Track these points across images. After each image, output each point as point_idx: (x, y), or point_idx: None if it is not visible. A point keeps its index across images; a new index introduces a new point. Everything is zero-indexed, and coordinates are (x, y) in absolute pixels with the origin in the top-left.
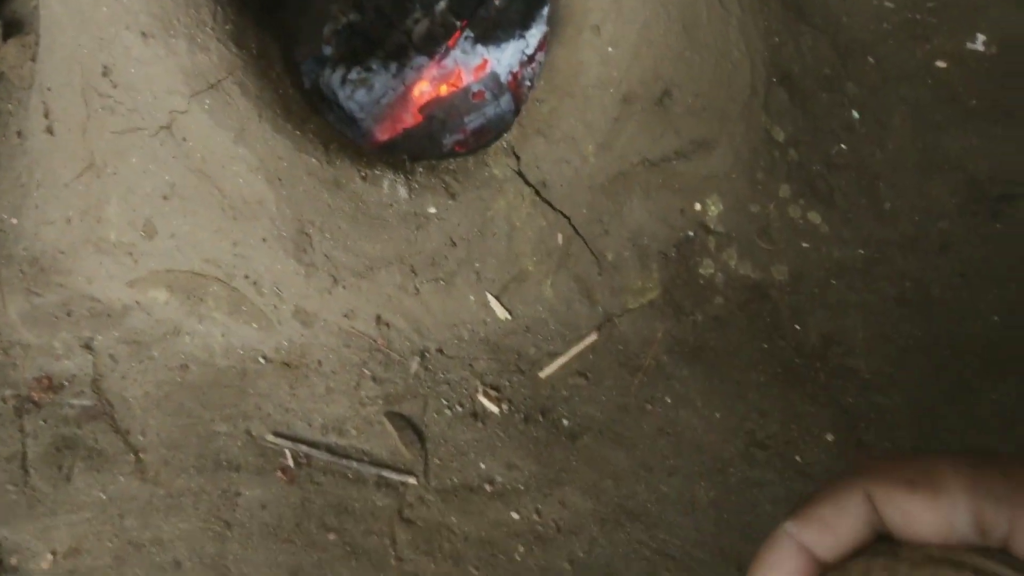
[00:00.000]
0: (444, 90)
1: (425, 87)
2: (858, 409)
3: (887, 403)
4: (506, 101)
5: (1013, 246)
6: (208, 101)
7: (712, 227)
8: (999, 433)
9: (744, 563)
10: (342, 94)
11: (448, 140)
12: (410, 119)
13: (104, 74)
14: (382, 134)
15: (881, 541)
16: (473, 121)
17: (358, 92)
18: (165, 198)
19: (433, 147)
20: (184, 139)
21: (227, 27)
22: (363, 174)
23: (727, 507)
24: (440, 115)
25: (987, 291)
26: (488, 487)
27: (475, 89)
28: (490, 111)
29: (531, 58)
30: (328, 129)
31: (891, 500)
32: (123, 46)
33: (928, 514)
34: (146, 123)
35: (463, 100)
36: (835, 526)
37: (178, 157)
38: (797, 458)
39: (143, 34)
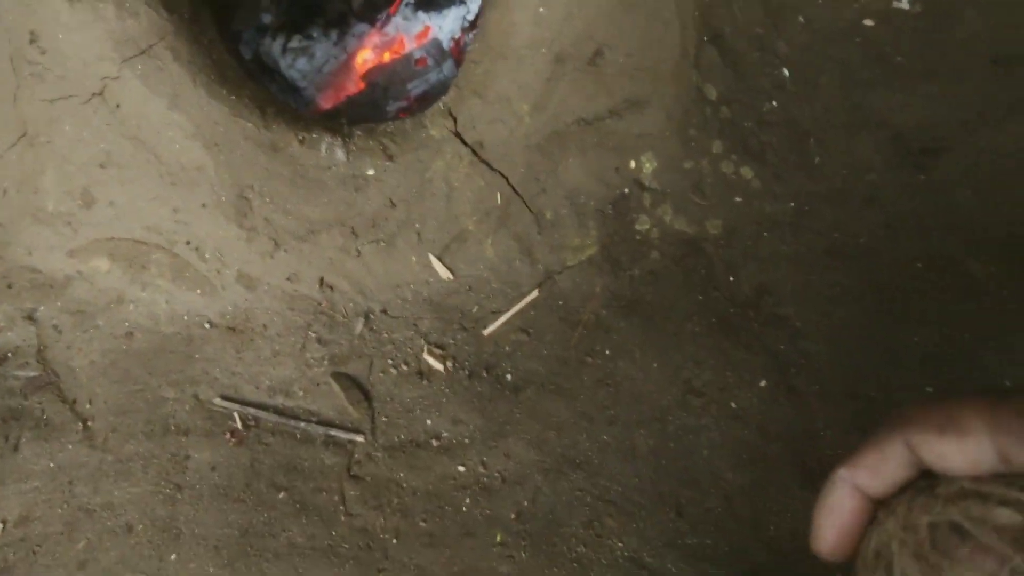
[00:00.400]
0: (386, 57)
1: (367, 55)
2: (789, 356)
3: (815, 349)
4: (448, 67)
5: (936, 197)
6: (140, 67)
7: (647, 184)
8: (919, 374)
9: (682, 506)
10: (283, 63)
11: (392, 107)
12: (353, 87)
13: (32, 41)
14: (325, 102)
15: (924, 477)
16: (416, 87)
17: (299, 60)
18: (102, 166)
19: (376, 114)
20: (118, 106)
21: None
22: (301, 138)
23: (665, 453)
24: (383, 82)
25: (911, 240)
26: (434, 442)
27: (417, 56)
28: (433, 77)
29: (473, 24)
30: (264, 94)
31: (925, 444)
32: (50, 11)
33: (958, 454)
34: (78, 90)
35: (405, 67)
36: (880, 469)
37: (112, 124)
38: (732, 404)
39: None
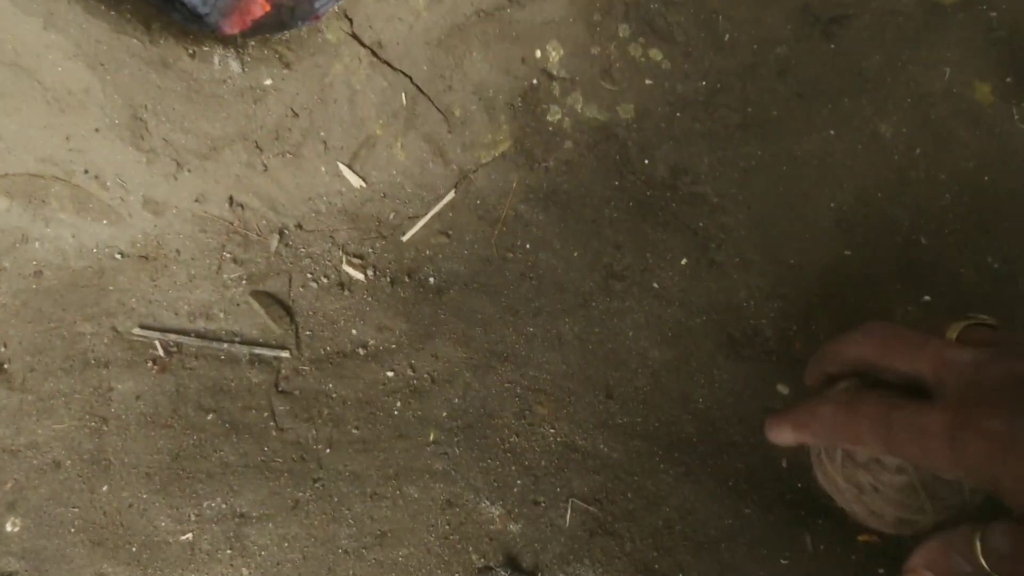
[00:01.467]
0: None
1: None
2: (708, 231)
3: (733, 222)
4: None
5: (845, 63)
6: None
7: (555, 73)
8: (836, 237)
9: (611, 387)
10: None
11: (300, 27)
12: (259, 9)
13: None
14: (231, 28)
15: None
16: (324, 4)
17: None
18: None
19: (282, 32)
20: None
21: None
22: (191, 51)
23: (591, 339)
24: (288, 2)
25: (822, 107)
26: (361, 351)
27: None
28: None
29: None
30: (147, 7)
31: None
32: None
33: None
34: None
35: None
36: (837, 357)
37: None
38: (654, 284)
39: None
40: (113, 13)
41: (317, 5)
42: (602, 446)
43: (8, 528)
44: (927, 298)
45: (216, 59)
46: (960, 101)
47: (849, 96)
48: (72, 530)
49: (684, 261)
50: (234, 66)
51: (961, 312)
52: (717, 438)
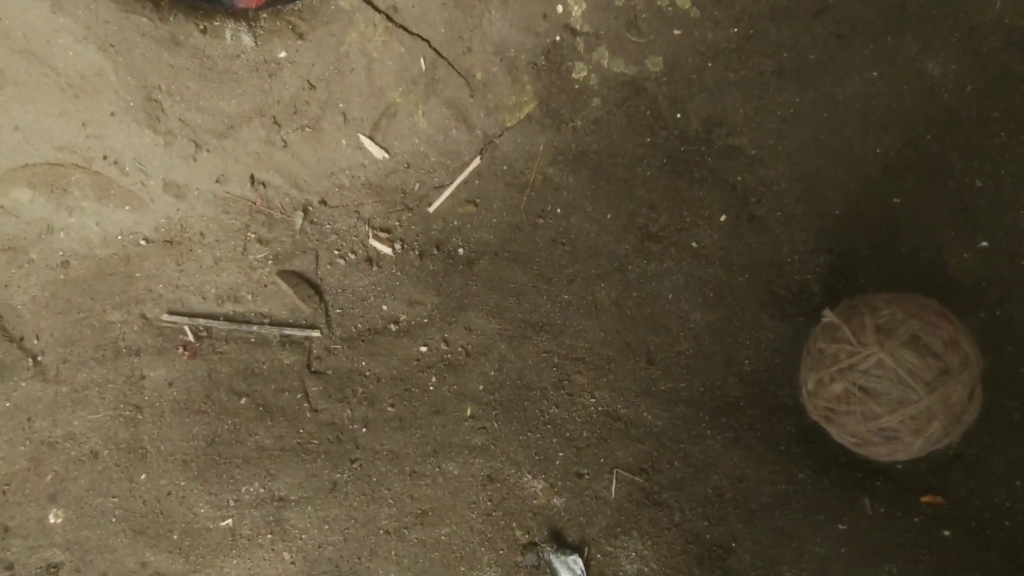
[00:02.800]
0: None
1: None
2: (747, 185)
3: (773, 174)
4: None
5: None
6: None
7: (578, 28)
8: (884, 184)
9: (652, 353)
10: None
11: None
12: None
13: None
14: (247, 1)
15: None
16: None
17: None
18: None
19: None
20: None
21: None
22: (202, 27)
23: (629, 303)
24: None
25: (864, 47)
26: (393, 327)
27: None
28: None
29: None
30: None
31: None
32: None
33: None
34: None
35: None
36: None
37: None
38: (693, 243)
39: None
40: None
41: None
42: (645, 414)
43: (51, 520)
44: (984, 244)
45: (228, 34)
46: (1013, 31)
47: (892, 34)
48: (113, 520)
49: (723, 218)
50: (247, 40)
51: (1020, 256)
52: (765, 401)
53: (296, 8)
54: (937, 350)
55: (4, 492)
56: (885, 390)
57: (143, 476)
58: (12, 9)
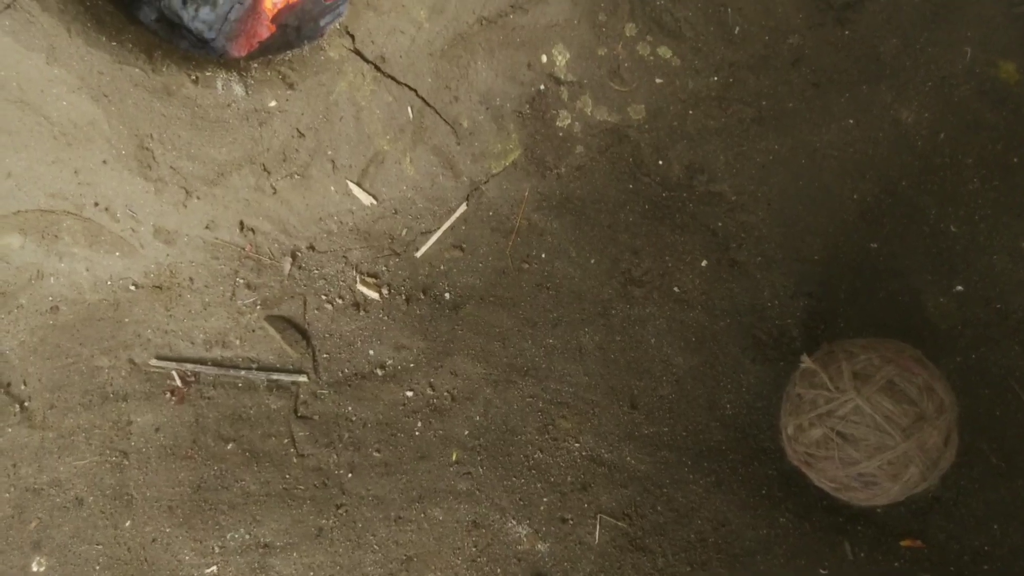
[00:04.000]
0: None
1: None
2: (727, 230)
3: (753, 220)
4: None
5: (861, 49)
6: (8, 23)
7: (562, 77)
8: (862, 229)
9: (635, 397)
10: (186, 15)
11: (306, 47)
12: (264, 31)
13: None
14: (238, 51)
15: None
16: (328, 22)
17: (203, 11)
18: None
19: (284, 52)
20: None
21: None
22: (194, 77)
23: (612, 347)
24: (294, 23)
25: (840, 96)
26: (379, 371)
27: None
28: (344, 10)
29: None
30: (149, 36)
31: None
32: None
33: None
34: None
35: (315, 4)
36: None
37: None
38: (675, 288)
39: None
40: (114, 44)
41: (322, 24)
42: (629, 458)
43: (34, 568)
44: (960, 288)
45: (219, 83)
46: (983, 81)
47: (867, 83)
48: (97, 567)
49: (704, 263)
50: (237, 89)
51: (995, 300)
52: (747, 445)
53: (287, 58)
54: (913, 396)
55: None
56: (863, 436)
57: (128, 523)
58: (7, 60)
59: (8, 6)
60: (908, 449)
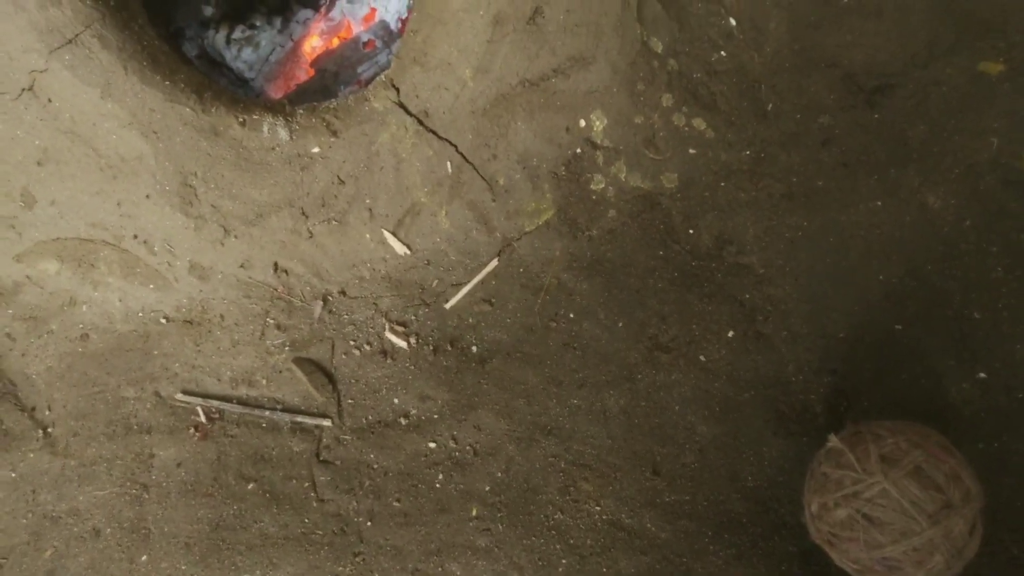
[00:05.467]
0: (335, 42)
1: (315, 41)
2: (754, 303)
3: (780, 294)
4: (398, 48)
5: (890, 133)
6: (68, 57)
7: (599, 142)
8: (886, 310)
9: (658, 463)
10: (228, 55)
11: (343, 92)
12: (303, 74)
13: None
14: (275, 92)
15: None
16: (367, 70)
17: (245, 51)
18: (39, 164)
19: (329, 100)
20: (49, 100)
21: None
22: (241, 119)
23: (637, 412)
24: (332, 68)
25: (868, 177)
26: (403, 420)
27: (365, 39)
28: (382, 59)
29: None
30: (200, 78)
31: None
32: None
33: None
34: (7, 87)
35: (354, 50)
36: None
37: (46, 120)
38: (701, 357)
39: None
40: (168, 83)
41: (360, 71)
42: (649, 525)
43: None
44: (983, 375)
45: (265, 127)
46: (1009, 171)
47: (895, 166)
48: None
49: (731, 333)
50: (283, 134)
51: (1017, 389)
52: (768, 519)
53: (332, 106)
54: (940, 483)
55: (0, 566)
56: (889, 520)
57: (144, 557)
58: (64, 92)
59: (69, 41)
60: (934, 536)
